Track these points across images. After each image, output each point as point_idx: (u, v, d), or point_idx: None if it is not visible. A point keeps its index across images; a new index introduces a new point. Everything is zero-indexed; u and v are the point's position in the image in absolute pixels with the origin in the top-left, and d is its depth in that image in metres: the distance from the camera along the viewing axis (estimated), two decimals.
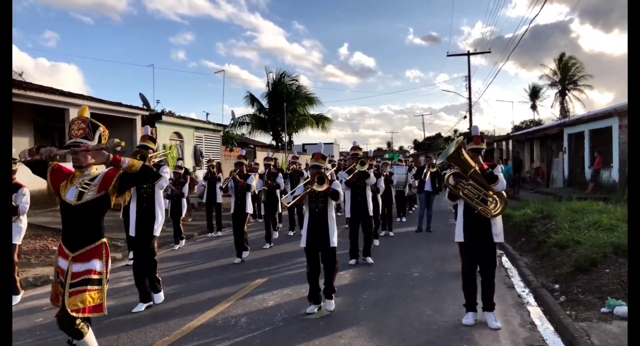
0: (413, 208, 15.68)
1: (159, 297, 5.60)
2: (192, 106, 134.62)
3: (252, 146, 28.49)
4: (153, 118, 17.40)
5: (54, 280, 3.38)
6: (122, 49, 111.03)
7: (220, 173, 11.67)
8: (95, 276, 3.16)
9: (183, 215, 9.98)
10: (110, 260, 3.33)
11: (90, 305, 3.12)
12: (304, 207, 5.45)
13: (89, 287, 3.12)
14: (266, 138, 35.58)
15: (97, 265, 3.19)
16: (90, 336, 3.23)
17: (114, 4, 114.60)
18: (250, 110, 33.81)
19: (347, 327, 4.71)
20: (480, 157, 4.80)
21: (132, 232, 5.61)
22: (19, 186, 5.66)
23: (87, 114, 3.35)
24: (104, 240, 3.30)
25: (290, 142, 35.12)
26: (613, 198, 12.18)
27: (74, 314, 3.06)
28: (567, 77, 37.67)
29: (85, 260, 3.18)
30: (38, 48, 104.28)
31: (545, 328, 4.71)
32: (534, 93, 43.25)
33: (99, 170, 3.40)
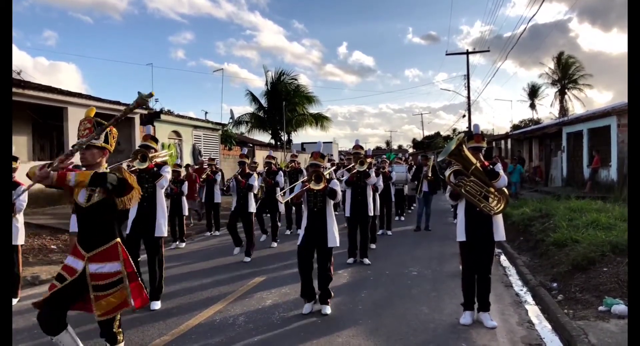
0: (412, 207, 15.70)
1: (155, 305, 5.40)
2: (191, 105, 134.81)
3: (251, 145, 28.43)
4: (152, 117, 17.39)
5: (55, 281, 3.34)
6: (122, 48, 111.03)
7: (218, 173, 11.60)
8: (116, 278, 3.29)
9: (186, 213, 9.94)
10: (129, 257, 3.39)
11: (116, 305, 3.28)
12: (302, 206, 5.43)
13: (111, 290, 3.26)
14: (265, 137, 35.62)
15: (115, 266, 3.30)
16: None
17: (114, 3, 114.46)
18: (250, 109, 33.92)
19: (345, 326, 4.72)
20: (480, 155, 4.81)
21: (127, 230, 5.48)
22: (17, 184, 5.66)
23: (93, 115, 3.39)
24: (118, 240, 3.37)
25: (289, 140, 35.11)
26: (611, 197, 12.18)
27: (102, 318, 3.24)
28: (566, 75, 37.62)
29: (101, 260, 3.27)
30: (37, 47, 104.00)
31: (542, 326, 4.72)
32: (533, 92, 43.30)
33: (108, 169, 3.43)
